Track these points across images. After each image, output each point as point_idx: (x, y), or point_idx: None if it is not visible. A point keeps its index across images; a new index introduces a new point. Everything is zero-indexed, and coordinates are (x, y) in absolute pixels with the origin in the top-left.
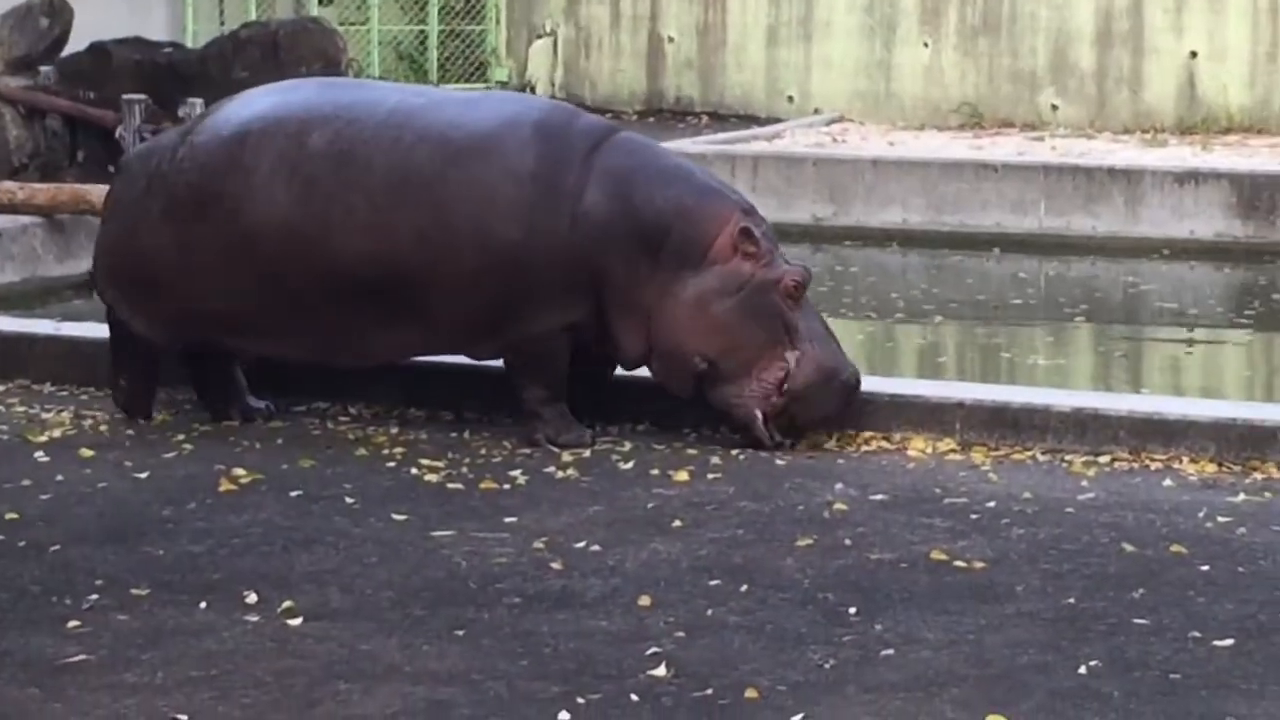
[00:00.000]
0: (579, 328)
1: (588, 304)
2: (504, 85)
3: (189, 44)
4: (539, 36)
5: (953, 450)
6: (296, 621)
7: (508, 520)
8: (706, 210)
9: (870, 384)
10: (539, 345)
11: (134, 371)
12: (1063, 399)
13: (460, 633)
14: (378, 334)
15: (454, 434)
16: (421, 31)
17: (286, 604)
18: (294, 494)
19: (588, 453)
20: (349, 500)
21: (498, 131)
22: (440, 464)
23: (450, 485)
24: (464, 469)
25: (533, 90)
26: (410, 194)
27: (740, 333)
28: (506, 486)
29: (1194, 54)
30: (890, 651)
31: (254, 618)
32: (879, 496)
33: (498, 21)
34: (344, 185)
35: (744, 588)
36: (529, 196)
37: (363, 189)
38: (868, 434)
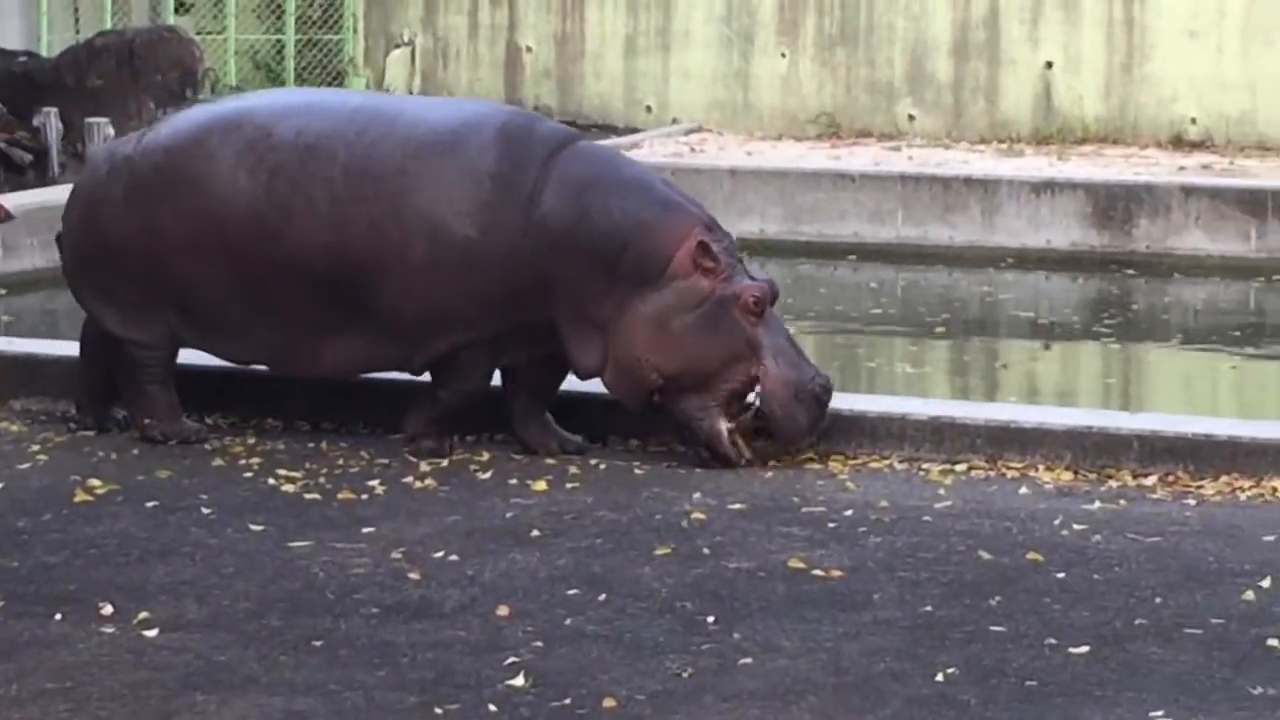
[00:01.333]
0: (519, 336)
1: (536, 311)
2: None
3: (44, 53)
4: (397, 46)
5: (810, 459)
6: (153, 633)
7: (365, 530)
8: (665, 225)
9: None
10: (477, 353)
11: (142, 394)
12: (920, 408)
13: (318, 643)
14: (331, 338)
15: (311, 444)
16: (279, 40)
17: (143, 615)
18: (150, 505)
19: (445, 462)
20: (206, 511)
21: (460, 130)
22: (297, 474)
23: (308, 495)
24: (321, 479)
25: None
26: (369, 186)
27: (699, 349)
28: (364, 497)
29: (1050, 65)
30: (748, 660)
31: (110, 629)
32: (737, 505)
33: (355, 31)
34: (308, 176)
35: (602, 597)
36: (486, 195)
37: (324, 180)
38: None
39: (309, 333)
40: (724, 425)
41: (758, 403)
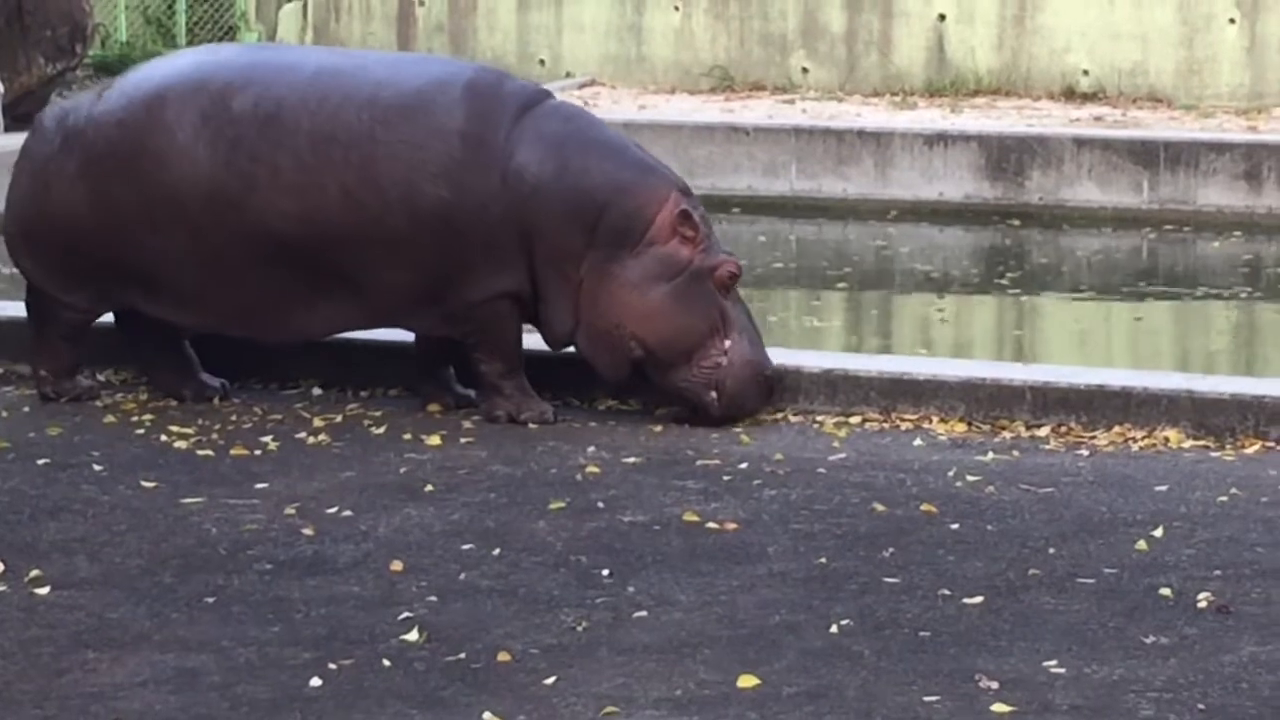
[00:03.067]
0: (522, 299)
1: (523, 271)
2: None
3: None
4: (289, 0)
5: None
6: (44, 590)
7: (259, 486)
8: (644, 188)
9: None
10: (484, 313)
11: (54, 351)
12: (813, 360)
13: (210, 600)
14: (307, 305)
15: (204, 400)
16: None
17: (34, 573)
18: (41, 462)
19: (339, 418)
20: (97, 468)
21: (427, 90)
22: (190, 430)
23: (200, 452)
24: (214, 435)
25: None
26: (337, 153)
27: (678, 318)
28: (257, 453)
29: (942, 17)
30: (643, 613)
31: (1, 587)
32: (631, 459)
33: None
34: (270, 145)
35: (496, 551)
36: (458, 154)
37: (289, 149)
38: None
39: (275, 299)
40: (711, 395)
41: (718, 375)
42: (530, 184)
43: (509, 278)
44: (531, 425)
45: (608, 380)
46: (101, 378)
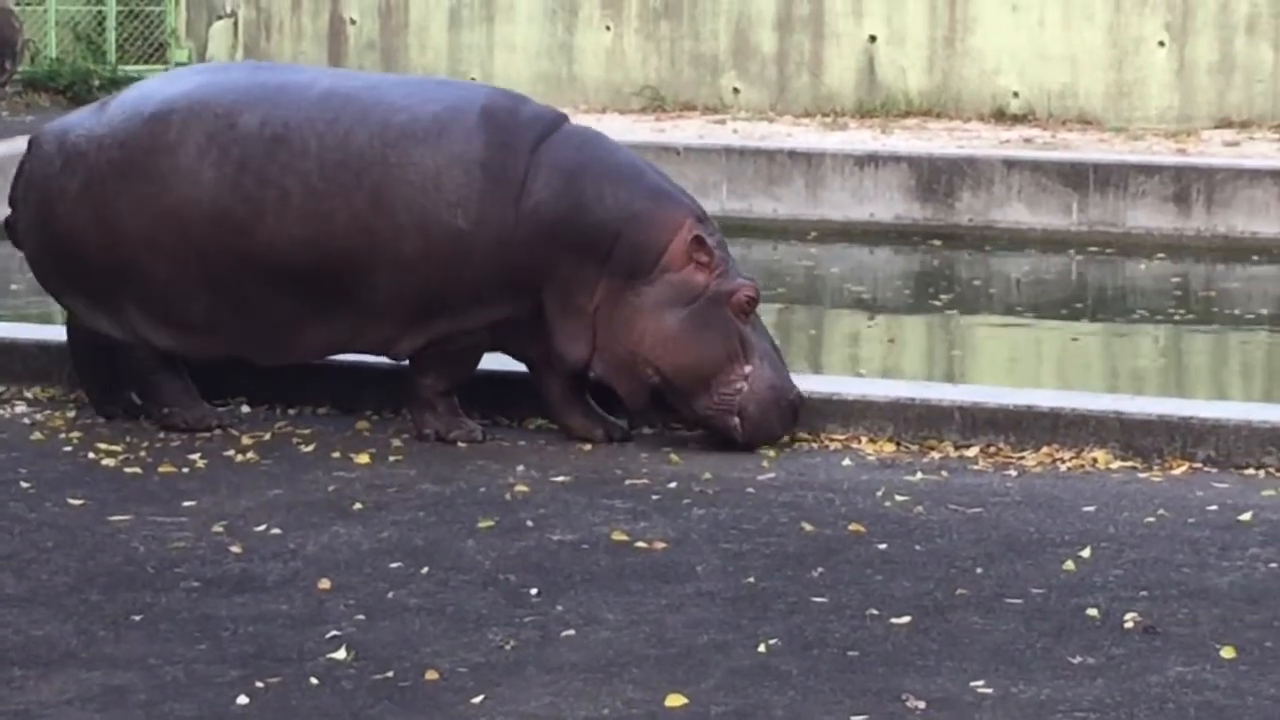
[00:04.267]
0: (506, 326)
1: (525, 301)
2: (184, 66)
3: None
4: (219, 17)
5: (636, 432)
6: None
7: (186, 504)
8: (659, 215)
9: None
10: (465, 341)
11: (94, 371)
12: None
13: (137, 617)
14: (307, 327)
15: (131, 418)
16: (99, 12)
17: None
18: None
19: (268, 435)
20: (25, 485)
21: (443, 116)
22: (118, 448)
23: (128, 469)
24: (142, 453)
25: None
26: (348, 178)
27: (694, 345)
28: (185, 470)
29: (873, 38)
30: (571, 632)
31: None
32: (561, 478)
33: (177, 3)
34: (278, 168)
35: (425, 570)
36: (477, 184)
37: (298, 173)
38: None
39: (281, 324)
40: (734, 420)
41: (740, 401)
42: (547, 218)
43: (510, 306)
44: (460, 444)
45: (629, 408)
46: (29, 395)
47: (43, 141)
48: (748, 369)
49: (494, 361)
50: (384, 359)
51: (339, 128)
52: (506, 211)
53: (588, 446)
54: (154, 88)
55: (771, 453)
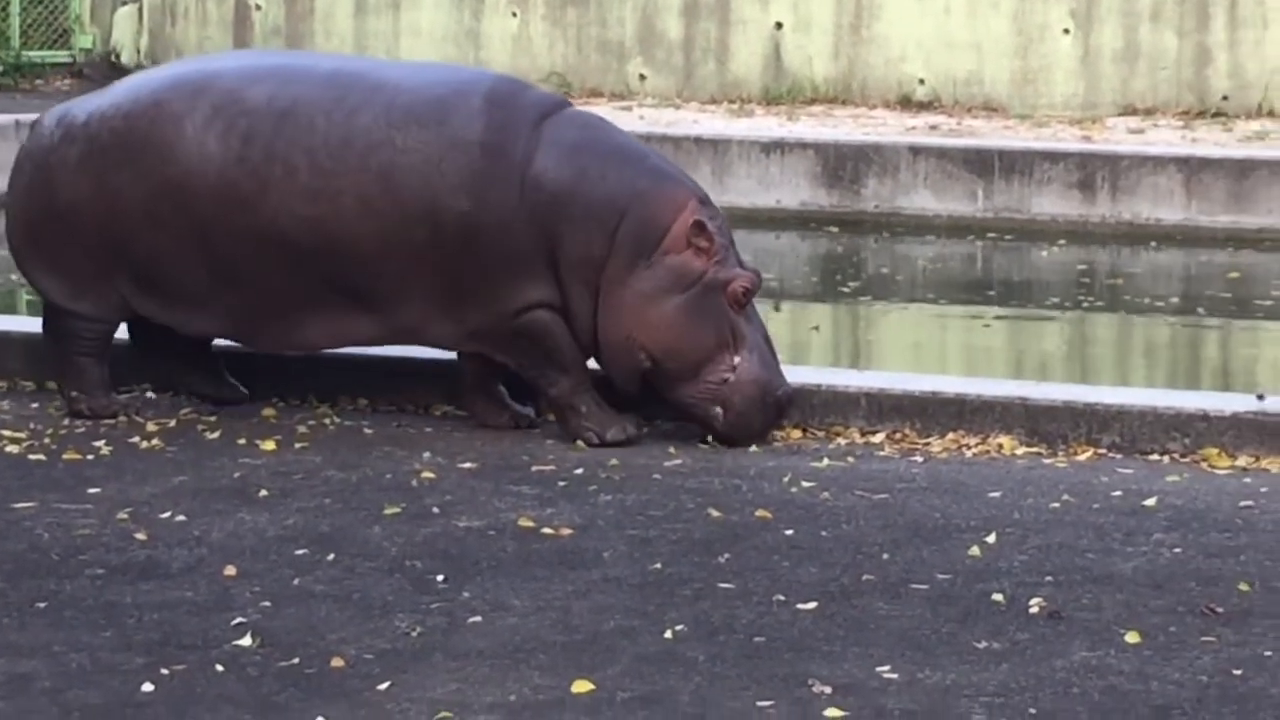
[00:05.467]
0: (557, 308)
1: (551, 281)
2: (88, 53)
3: None
4: (124, 3)
5: (541, 418)
6: None
7: (91, 491)
8: (663, 195)
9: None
10: (521, 328)
11: (77, 369)
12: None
13: (42, 605)
14: (316, 316)
15: (35, 405)
16: None
17: None
18: None
19: (173, 422)
20: None
21: (446, 98)
22: (22, 435)
23: (32, 456)
24: (46, 440)
25: (117, 58)
26: (353, 158)
27: (687, 332)
28: (90, 457)
29: (779, 25)
30: (478, 619)
31: None
32: (467, 464)
33: None
34: (285, 143)
35: (331, 556)
36: (478, 166)
37: (304, 148)
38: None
39: (282, 306)
40: (716, 411)
41: (725, 394)
42: (549, 195)
43: (536, 289)
44: (612, 444)
45: (623, 391)
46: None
47: (44, 120)
48: (736, 360)
49: (397, 349)
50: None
51: (345, 106)
52: (509, 190)
53: (494, 433)
54: (159, 69)
55: (678, 439)
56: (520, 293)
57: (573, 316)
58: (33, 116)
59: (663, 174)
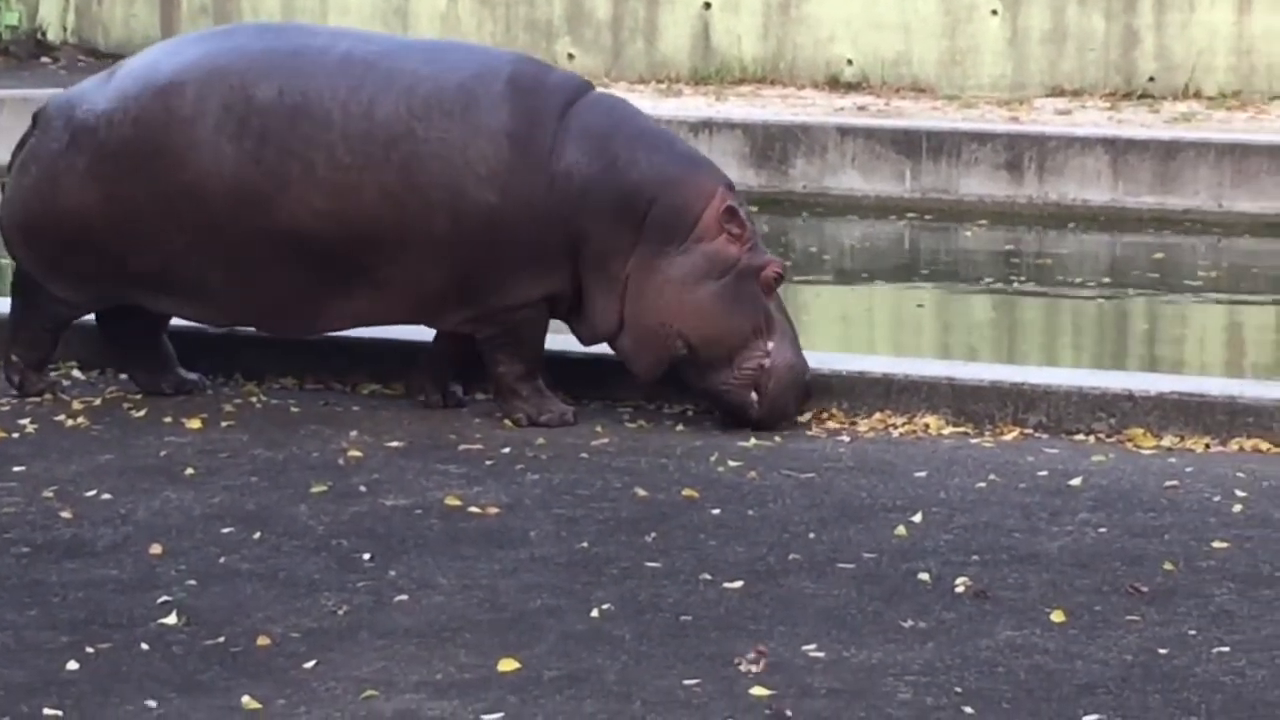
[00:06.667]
0: (558, 298)
1: (566, 272)
2: (14, 30)
3: None
4: None
5: (469, 397)
6: None
7: (16, 469)
8: (692, 182)
9: (385, 332)
10: (517, 317)
11: (34, 342)
12: (579, 348)
13: None
14: (332, 301)
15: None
16: None
17: None
18: None
19: (98, 401)
20: None
21: (468, 85)
22: None
23: None
24: None
25: (44, 35)
26: (375, 151)
27: (726, 318)
28: (15, 435)
29: (708, 5)
30: (404, 597)
31: None
32: (394, 443)
33: None
34: (301, 140)
35: (257, 535)
36: (506, 156)
37: (322, 144)
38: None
39: (299, 296)
40: (752, 397)
41: (762, 379)
42: (579, 185)
43: (552, 280)
44: (550, 427)
45: (642, 379)
46: None
47: (49, 116)
48: (770, 345)
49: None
50: (217, 325)
51: (362, 96)
52: (538, 183)
53: (424, 411)
54: (161, 56)
55: (606, 418)
56: (536, 284)
57: (590, 305)
58: None
59: (692, 160)
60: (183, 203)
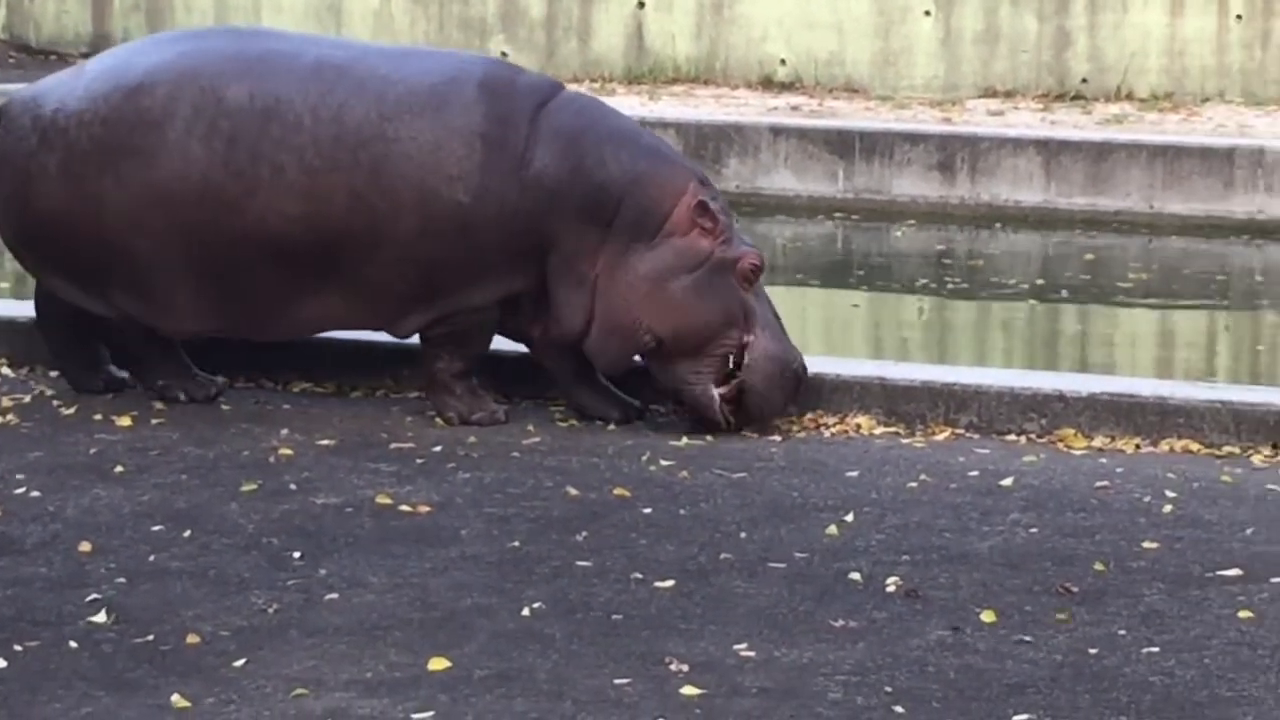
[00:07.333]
0: (517, 298)
1: (532, 273)
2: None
3: None
4: None
5: (401, 396)
6: None
7: None
8: (662, 179)
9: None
10: (473, 318)
11: (68, 343)
12: (510, 347)
13: None
14: (300, 304)
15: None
16: None
17: None
18: None
19: (28, 398)
20: None
21: (439, 88)
22: None
23: None
24: None
25: None
26: (345, 153)
27: (697, 313)
28: None
29: (642, 4)
30: (334, 595)
31: None
32: (325, 441)
33: None
34: (272, 144)
35: (187, 533)
36: (477, 157)
37: (292, 148)
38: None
39: (270, 303)
40: (715, 392)
41: (740, 373)
42: (549, 186)
43: (516, 281)
44: (481, 425)
45: (607, 373)
46: None
47: (15, 114)
48: (749, 339)
49: None
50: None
51: (333, 100)
52: (508, 183)
53: (352, 410)
54: (132, 56)
55: (538, 417)
56: (502, 285)
57: (559, 305)
58: None
59: (661, 156)
60: (153, 205)
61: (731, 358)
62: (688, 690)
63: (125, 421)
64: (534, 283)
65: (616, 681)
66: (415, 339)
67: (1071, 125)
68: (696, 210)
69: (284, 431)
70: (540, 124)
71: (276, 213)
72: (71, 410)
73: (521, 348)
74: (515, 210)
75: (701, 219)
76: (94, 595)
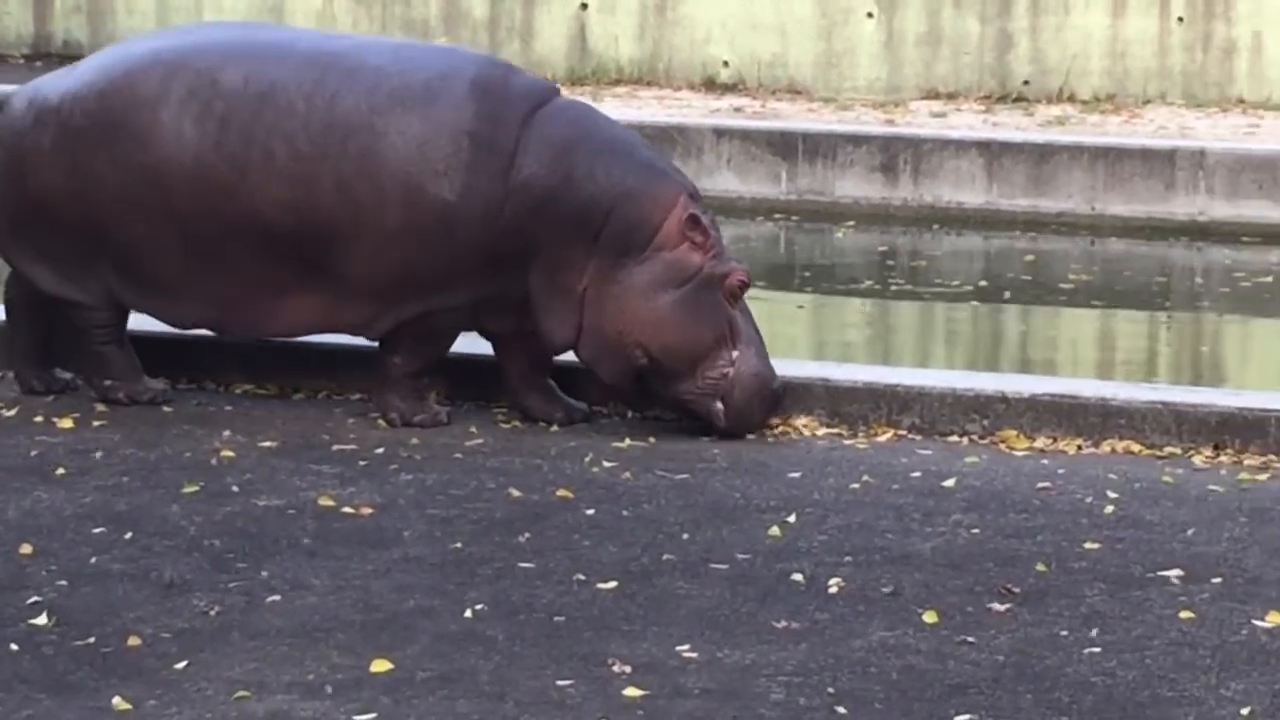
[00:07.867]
0: (491, 301)
1: (510, 278)
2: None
3: None
4: None
5: (343, 397)
6: None
7: None
8: (653, 192)
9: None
10: (443, 319)
11: (32, 345)
12: (453, 348)
13: None
14: (284, 299)
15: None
16: None
17: None
18: None
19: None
20: None
21: (432, 83)
22: None
23: None
24: None
25: None
26: (334, 142)
27: (686, 327)
28: None
29: (584, 5)
30: (276, 598)
31: None
32: (268, 443)
33: None
34: (264, 128)
35: (129, 535)
36: (465, 155)
37: (283, 133)
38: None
39: (258, 292)
40: (718, 406)
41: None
42: (536, 195)
43: (493, 284)
44: (423, 427)
45: (611, 387)
46: None
47: (13, 100)
48: (735, 354)
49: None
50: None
51: (326, 89)
52: (495, 185)
53: (294, 412)
54: (129, 46)
55: (480, 419)
56: (478, 287)
57: (544, 316)
58: None
59: (652, 169)
60: (144, 184)
61: (725, 374)
62: (630, 691)
63: (67, 423)
64: (511, 288)
65: (559, 683)
66: (361, 340)
67: (1014, 127)
68: (687, 224)
69: (226, 433)
70: (533, 129)
71: (265, 197)
72: (13, 412)
73: (463, 349)
74: (500, 212)
75: (692, 233)
76: (35, 597)
